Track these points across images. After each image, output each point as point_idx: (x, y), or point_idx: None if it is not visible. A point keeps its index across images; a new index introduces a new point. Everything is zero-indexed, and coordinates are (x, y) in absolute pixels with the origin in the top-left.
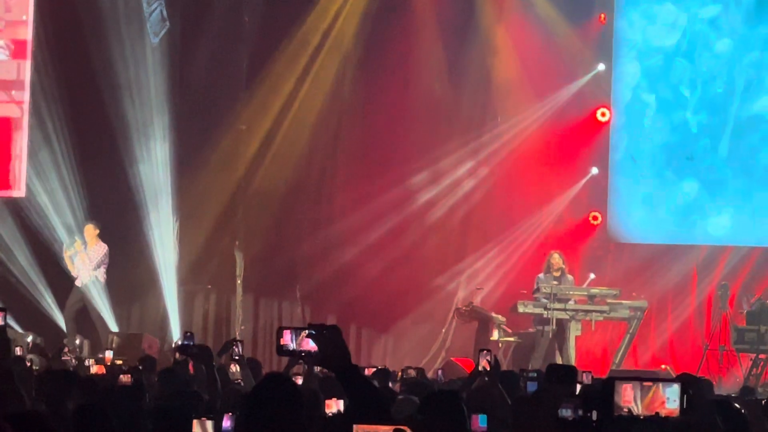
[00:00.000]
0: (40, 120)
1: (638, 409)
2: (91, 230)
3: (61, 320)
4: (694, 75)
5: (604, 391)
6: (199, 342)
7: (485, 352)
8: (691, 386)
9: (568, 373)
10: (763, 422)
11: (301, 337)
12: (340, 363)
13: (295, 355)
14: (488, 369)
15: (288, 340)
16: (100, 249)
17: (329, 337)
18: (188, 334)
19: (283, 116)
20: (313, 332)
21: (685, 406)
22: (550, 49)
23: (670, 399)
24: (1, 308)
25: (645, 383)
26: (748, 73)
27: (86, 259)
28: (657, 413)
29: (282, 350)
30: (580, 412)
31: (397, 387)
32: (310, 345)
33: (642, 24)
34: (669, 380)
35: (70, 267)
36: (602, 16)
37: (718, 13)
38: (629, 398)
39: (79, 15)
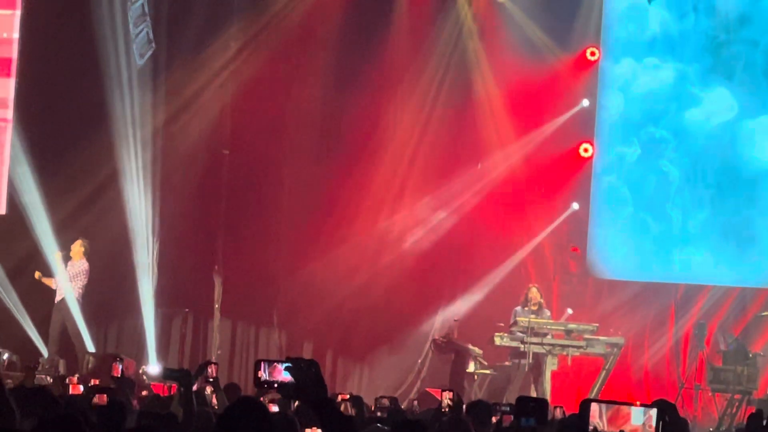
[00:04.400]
0: (23, 138)
1: (603, 426)
2: (77, 246)
3: (36, 338)
4: (679, 117)
5: (580, 413)
6: (175, 365)
7: (448, 392)
8: (668, 412)
9: (539, 407)
10: None
11: (274, 367)
12: (316, 395)
13: (271, 387)
14: (451, 407)
15: (264, 372)
16: (80, 265)
17: (306, 369)
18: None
19: (266, 140)
20: (290, 365)
21: (660, 431)
22: (535, 82)
23: (635, 416)
24: None
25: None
26: (731, 120)
27: (62, 271)
28: (621, 431)
29: (260, 382)
30: None
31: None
32: (287, 377)
33: (629, 63)
34: (645, 405)
35: (48, 283)
36: (590, 51)
37: (702, 70)
38: (594, 415)
39: (65, 34)
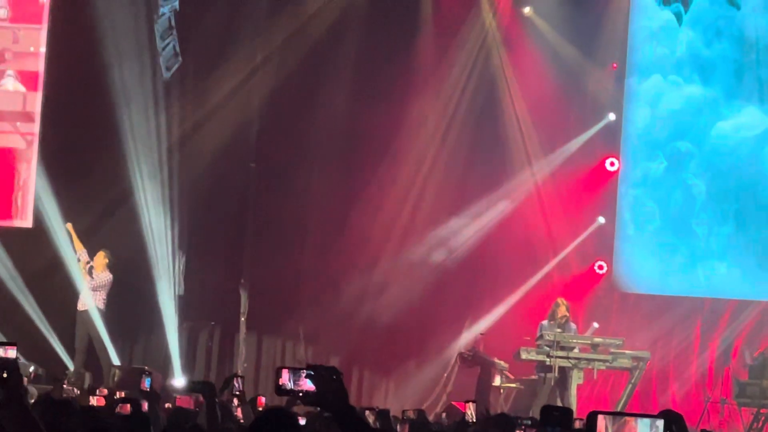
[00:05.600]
0: (49, 151)
1: None
2: (101, 257)
3: (61, 350)
4: (705, 131)
5: (588, 426)
6: (202, 378)
7: (471, 403)
8: (675, 423)
9: (564, 416)
10: None
11: (299, 377)
12: (337, 404)
13: (293, 395)
14: (474, 420)
15: (286, 379)
16: (104, 276)
17: (328, 377)
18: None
19: (292, 152)
20: (312, 372)
21: None
22: (560, 95)
23: (641, 428)
24: (13, 342)
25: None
26: (757, 135)
27: (88, 282)
28: None
29: (281, 390)
30: None
31: (406, 428)
32: (308, 385)
33: (655, 79)
34: (651, 416)
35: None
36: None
37: (729, 87)
38: (601, 428)
39: (92, 48)
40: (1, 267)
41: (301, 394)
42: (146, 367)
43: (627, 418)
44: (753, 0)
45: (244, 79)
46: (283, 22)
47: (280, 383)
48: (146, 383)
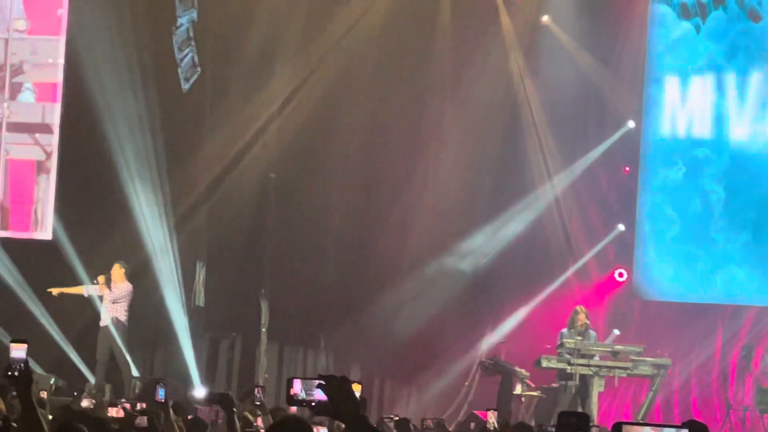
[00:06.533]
0: (69, 163)
1: None
2: (117, 269)
3: (80, 363)
4: (723, 138)
5: None
6: (222, 389)
7: (493, 411)
8: None
9: (581, 421)
10: None
11: (311, 387)
12: (349, 413)
13: (305, 405)
14: (496, 428)
15: (298, 390)
16: (124, 287)
17: (339, 387)
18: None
19: (313, 163)
20: (323, 382)
21: None
22: (579, 102)
23: None
24: (23, 339)
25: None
26: None
27: (107, 295)
28: None
29: (292, 400)
30: None
31: None
32: (320, 395)
33: (674, 85)
34: (675, 426)
35: (72, 291)
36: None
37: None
38: None
39: (108, 58)
40: (19, 278)
41: (313, 404)
42: (161, 379)
43: (651, 428)
44: None
45: (266, 88)
46: (306, 32)
47: (292, 393)
48: (160, 394)
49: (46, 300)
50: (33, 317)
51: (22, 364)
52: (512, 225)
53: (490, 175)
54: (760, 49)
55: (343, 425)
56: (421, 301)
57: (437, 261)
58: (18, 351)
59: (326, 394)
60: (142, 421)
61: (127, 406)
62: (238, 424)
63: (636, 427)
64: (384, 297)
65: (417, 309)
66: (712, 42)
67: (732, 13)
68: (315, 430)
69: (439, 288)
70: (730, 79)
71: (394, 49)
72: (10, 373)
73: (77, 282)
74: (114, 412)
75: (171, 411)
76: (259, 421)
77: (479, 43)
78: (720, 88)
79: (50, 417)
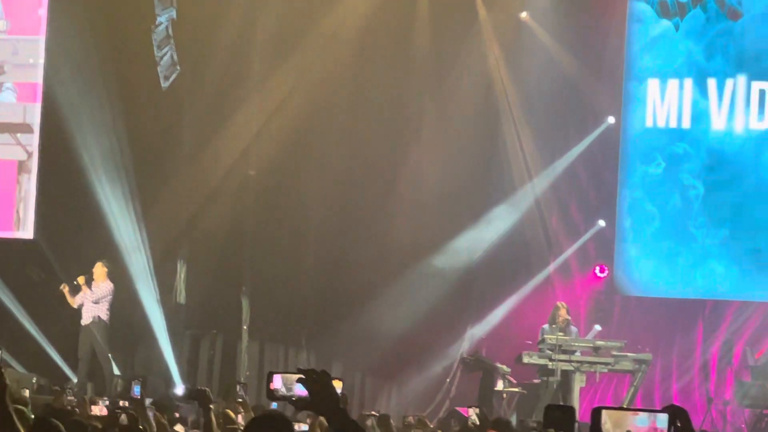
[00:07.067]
0: (50, 163)
1: (609, 428)
2: (99, 268)
3: (62, 362)
4: (702, 133)
5: (592, 422)
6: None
7: (474, 408)
8: (680, 417)
9: (567, 414)
10: None
11: (291, 382)
12: (329, 407)
13: (285, 400)
14: (478, 424)
15: (278, 384)
16: (105, 286)
17: (319, 381)
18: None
19: (292, 160)
20: (303, 377)
21: None
22: (558, 99)
23: (639, 419)
24: None
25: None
26: (754, 137)
27: (88, 294)
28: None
29: (272, 395)
30: None
31: None
32: (300, 390)
33: (654, 82)
34: (656, 410)
35: (69, 300)
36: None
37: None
38: (604, 420)
39: (88, 58)
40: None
41: (293, 399)
42: (138, 376)
43: (631, 413)
44: (753, 11)
45: (245, 86)
46: (283, 28)
47: (272, 388)
48: (135, 391)
49: (28, 299)
50: (14, 317)
51: None
52: (495, 224)
53: (471, 173)
54: (738, 49)
55: (326, 421)
56: (403, 298)
57: (419, 260)
58: None
59: (306, 389)
60: (124, 418)
61: (107, 404)
62: (214, 421)
63: (616, 411)
64: (365, 294)
65: (398, 306)
66: (691, 41)
67: (711, 13)
68: (296, 426)
69: (420, 286)
70: (709, 76)
71: (372, 47)
72: None
73: (58, 281)
74: (96, 410)
75: (154, 408)
76: (241, 419)
77: (458, 41)
78: (699, 85)
79: (32, 416)
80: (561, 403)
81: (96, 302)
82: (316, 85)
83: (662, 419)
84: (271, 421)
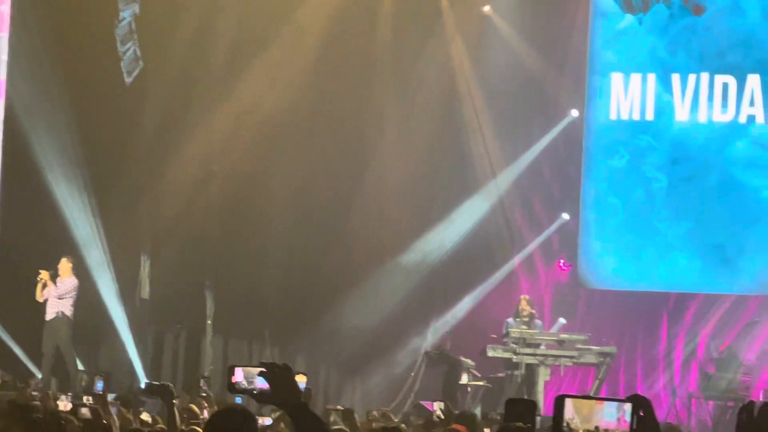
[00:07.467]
0: (13, 160)
1: (577, 423)
2: (65, 263)
3: (26, 358)
4: (666, 126)
5: (555, 410)
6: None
7: (439, 402)
8: (642, 407)
9: (528, 408)
10: None
11: (252, 375)
12: (291, 401)
13: (246, 393)
14: (442, 418)
15: (240, 378)
16: (69, 282)
17: (280, 375)
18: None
19: (256, 155)
20: (265, 370)
21: (635, 426)
22: (521, 93)
23: (608, 412)
24: None
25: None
26: (719, 129)
27: (53, 289)
28: (597, 427)
29: (234, 388)
30: None
31: None
32: (262, 383)
33: (617, 75)
34: (619, 399)
35: (38, 293)
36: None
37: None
38: (570, 413)
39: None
40: None
41: (255, 392)
42: (100, 371)
43: (595, 402)
44: (716, 5)
45: (209, 81)
46: (246, 23)
47: (233, 381)
48: (98, 387)
49: None
50: None
51: None
52: (459, 219)
53: (436, 169)
54: (702, 45)
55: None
56: (368, 294)
57: (383, 255)
58: None
59: (268, 382)
60: (85, 412)
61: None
62: (178, 416)
63: (579, 400)
64: (330, 288)
65: (363, 301)
66: (654, 36)
67: (674, 8)
68: (260, 420)
69: (385, 281)
70: (672, 72)
71: (336, 42)
72: None
73: (24, 277)
74: (61, 405)
75: (118, 403)
76: (206, 413)
77: (421, 36)
78: (662, 80)
79: None
80: (524, 397)
81: (60, 298)
82: (279, 80)
83: (629, 413)
84: (234, 415)
